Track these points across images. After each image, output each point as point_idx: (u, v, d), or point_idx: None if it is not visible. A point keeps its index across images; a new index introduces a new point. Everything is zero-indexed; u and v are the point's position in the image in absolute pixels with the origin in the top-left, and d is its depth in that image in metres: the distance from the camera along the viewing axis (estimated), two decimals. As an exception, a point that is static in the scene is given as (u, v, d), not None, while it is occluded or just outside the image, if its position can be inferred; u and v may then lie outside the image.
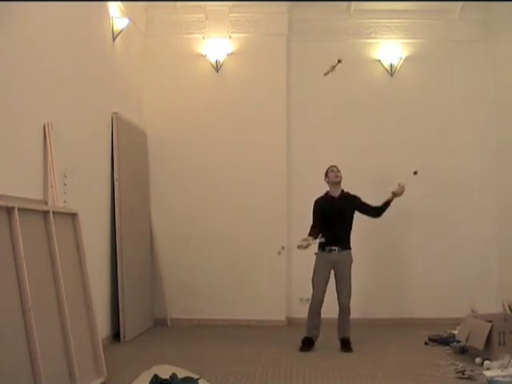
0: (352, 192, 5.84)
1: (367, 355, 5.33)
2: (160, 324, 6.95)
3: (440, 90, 7.33)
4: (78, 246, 4.51)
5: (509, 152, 6.93)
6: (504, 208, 7.01)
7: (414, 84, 7.32)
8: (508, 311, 5.39)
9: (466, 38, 7.30)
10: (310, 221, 5.73)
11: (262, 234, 7.04)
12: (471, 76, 7.35)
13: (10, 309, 3.41)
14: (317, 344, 5.66)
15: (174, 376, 3.94)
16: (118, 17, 6.17)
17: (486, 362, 4.58)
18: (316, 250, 5.68)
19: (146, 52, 7.27)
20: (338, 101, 7.27)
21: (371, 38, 7.37)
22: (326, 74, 6.02)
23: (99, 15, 5.84)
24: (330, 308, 5.69)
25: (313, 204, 5.82)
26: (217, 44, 7.23)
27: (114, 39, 6.14)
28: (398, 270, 7.20)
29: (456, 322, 5.76)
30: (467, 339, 5.11)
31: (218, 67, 7.23)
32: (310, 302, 5.74)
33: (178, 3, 7.22)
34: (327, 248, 5.65)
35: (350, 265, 5.70)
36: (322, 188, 5.88)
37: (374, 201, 5.78)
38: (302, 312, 5.92)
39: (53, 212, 4.12)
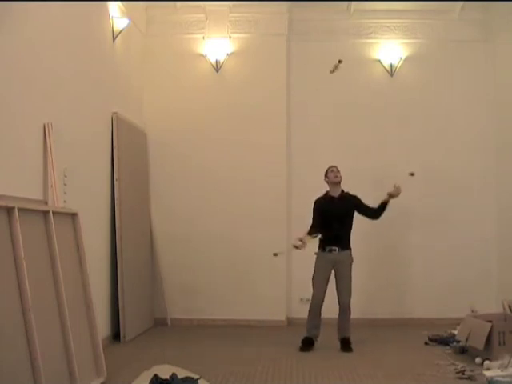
0: (352, 192, 5.84)
1: (367, 355, 5.33)
2: (160, 324, 6.95)
3: (440, 90, 7.33)
4: (78, 246, 4.51)
5: (509, 152, 6.93)
6: (504, 208, 7.01)
7: (414, 84, 7.32)
8: (508, 311, 5.39)
9: (466, 38, 7.30)
10: (309, 221, 5.72)
11: (262, 233, 7.02)
12: (471, 76, 7.35)
13: (9, 309, 3.41)
14: (317, 344, 5.66)
15: (173, 376, 3.94)
16: (118, 17, 6.17)
17: (486, 362, 4.58)
18: (316, 250, 5.68)
19: (146, 52, 7.27)
20: (338, 101, 7.27)
21: (371, 37, 7.37)
22: (331, 72, 5.98)
23: (99, 15, 5.84)
24: (330, 308, 5.69)
25: (313, 204, 5.82)
26: (217, 44, 7.23)
27: (113, 39, 6.14)
28: (398, 270, 7.20)
29: (456, 322, 5.76)
30: (467, 339, 5.11)
31: (217, 67, 7.23)
32: (310, 302, 5.74)
33: (178, 3, 7.22)
34: (327, 248, 5.65)
35: (351, 265, 5.70)
36: (322, 188, 5.87)
37: (374, 201, 5.77)
38: (302, 312, 5.92)
39: (53, 212, 4.12)
